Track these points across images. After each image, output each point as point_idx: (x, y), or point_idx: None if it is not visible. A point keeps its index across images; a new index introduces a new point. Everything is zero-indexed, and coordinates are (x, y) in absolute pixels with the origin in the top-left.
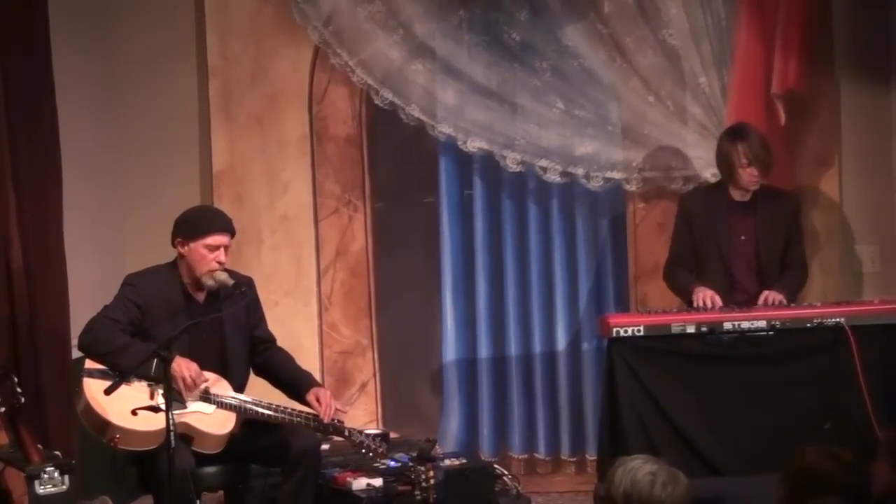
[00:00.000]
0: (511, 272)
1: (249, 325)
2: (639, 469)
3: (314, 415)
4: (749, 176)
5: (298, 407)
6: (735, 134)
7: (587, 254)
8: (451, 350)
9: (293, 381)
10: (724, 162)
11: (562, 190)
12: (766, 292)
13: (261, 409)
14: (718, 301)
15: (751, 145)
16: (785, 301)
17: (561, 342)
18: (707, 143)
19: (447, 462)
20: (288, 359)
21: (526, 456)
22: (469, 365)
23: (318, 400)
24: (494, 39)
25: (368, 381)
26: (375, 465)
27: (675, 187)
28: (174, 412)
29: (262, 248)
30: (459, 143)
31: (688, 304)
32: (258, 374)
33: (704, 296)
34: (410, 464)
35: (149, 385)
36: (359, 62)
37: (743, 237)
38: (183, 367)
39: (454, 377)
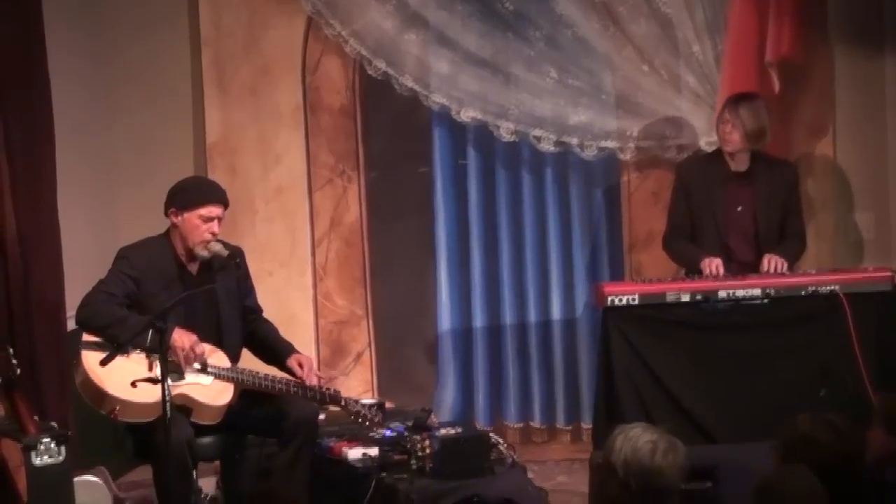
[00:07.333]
0: (505, 241)
1: (240, 294)
2: (639, 437)
3: (312, 385)
4: (725, 134)
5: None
6: (735, 98)
7: (582, 223)
8: (445, 319)
9: (275, 349)
10: (717, 120)
11: (556, 159)
12: (767, 256)
13: (259, 380)
14: (722, 270)
15: (739, 107)
16: (787, 266)
17: (556, 311)
18: (701, 111)
19: (443, 431)
20: (272, 329)
21: (521, 425)
22: (464, 334)
23: (299, 365)
24: (487, 9)
25: (363, 350)
26: (371, 434)
27: (670, 156)
28: (172, 383)
29: (256, 218)
30: (453, 112)
31: (691, 273)
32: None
33: (711, 263)
34: (406, 433)
35: (147, 357)
36: (352, 32)
37: (739, 208)
38: (184, 337)
39: (449, 347)
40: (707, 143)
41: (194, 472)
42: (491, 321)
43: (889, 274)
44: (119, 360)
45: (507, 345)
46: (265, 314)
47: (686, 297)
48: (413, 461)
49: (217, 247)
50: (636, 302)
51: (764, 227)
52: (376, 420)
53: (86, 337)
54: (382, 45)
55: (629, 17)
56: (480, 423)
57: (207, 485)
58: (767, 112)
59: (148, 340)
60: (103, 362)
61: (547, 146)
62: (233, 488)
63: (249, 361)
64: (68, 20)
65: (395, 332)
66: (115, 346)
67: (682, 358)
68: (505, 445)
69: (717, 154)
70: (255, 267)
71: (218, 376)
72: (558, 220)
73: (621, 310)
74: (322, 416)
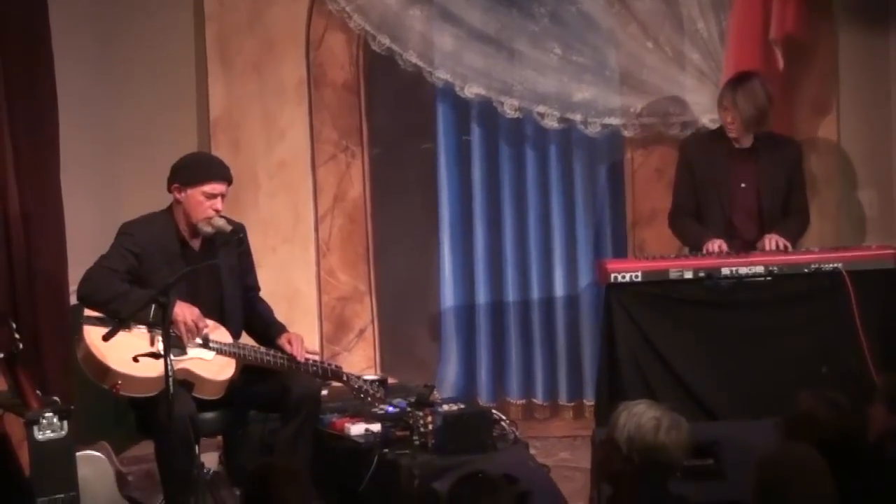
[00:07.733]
0: (509, 218)
1: (241, 271)
2: (643, 414)
3: (316, 360)
4: (726, 124)
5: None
6: (735, 79)
7: (585, 200)
8: (448, 296)
9: (268, 327)
10: (718, 105)
11: (560, 136)
12: (768, 235)
13: (261, 356)
14: (725, 248)
15: (736, 94)
16: (789, 245)
17: (559, 288)
18: (705, 88)
19: (445, 407)
20: (267, 308)
21: (524, 401)
22: (467, 311)
23: (289, 342)
24: None
25: (366, 327)
26: (374, 410)
27: (673, 133)
28: (174, 358)
29: (259, 194)
30: (457, 88)
31: (695, 251)
32: None
33: (713, 244)
34: (408, 409)
35: (149, 331)
36: (356, 7)
37: (743, 185)
38: (185, 311)
39: (452, 323)
40: (711, 120)
41: (197, 448)
42: (494, 298)
43: (892, 251)
44: (121, 335)
45: (510, 321)
46: (269, 290)
47: (689, 275)
48: (415, 437)
49: (220, 222)
50: (639, 279)
51: (768, 203)
52: (379, 396)
53: (88, 312)
54: (386, 21)
55: None
56: (483, 399)
57: (210, 460)
58: (767, 90)
59: (150, 315)
60: (106, 337)
61: (551, 123)
62: (235, 463)
63: (249, 338)
64: None
65: (398, 308)
66: (117, 321)
67: (684, 335)
68: (507, 422)
69: (721, 131)
70: (259, 243)
71: (220, 351)
72: (561, 196)
73: (624, 287)
74: (325, 392)
